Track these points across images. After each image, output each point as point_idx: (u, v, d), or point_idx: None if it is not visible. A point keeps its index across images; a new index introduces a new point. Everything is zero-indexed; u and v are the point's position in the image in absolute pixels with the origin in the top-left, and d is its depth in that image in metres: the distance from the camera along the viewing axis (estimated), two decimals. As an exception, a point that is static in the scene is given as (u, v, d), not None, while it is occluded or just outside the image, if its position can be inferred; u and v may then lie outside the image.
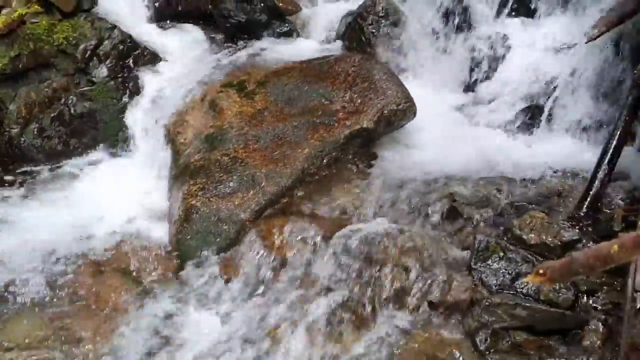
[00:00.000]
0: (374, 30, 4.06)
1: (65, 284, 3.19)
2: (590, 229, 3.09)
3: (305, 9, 4.35)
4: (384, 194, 3.43)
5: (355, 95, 3.74)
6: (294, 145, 3.55)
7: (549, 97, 3.66)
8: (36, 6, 3.95)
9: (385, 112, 3.67)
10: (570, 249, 3.03)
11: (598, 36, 3.42)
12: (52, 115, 3.92)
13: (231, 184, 3.43)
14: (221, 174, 3.46)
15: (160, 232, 3.46)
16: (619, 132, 3.17)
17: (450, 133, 3.70)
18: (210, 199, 3.39)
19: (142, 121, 3.86)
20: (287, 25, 4.28)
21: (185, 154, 3.63)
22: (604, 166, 3.15)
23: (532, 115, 3.72)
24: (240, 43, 4.18)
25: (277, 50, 4.11)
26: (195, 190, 3.44)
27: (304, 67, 3.91)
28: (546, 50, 3.70)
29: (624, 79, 3.46)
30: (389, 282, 3.03)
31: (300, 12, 4.35)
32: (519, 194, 3.32)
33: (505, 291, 2.94)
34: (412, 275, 3.03)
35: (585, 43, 3.48)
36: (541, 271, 1.38)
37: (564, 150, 3.59)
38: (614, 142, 3.18)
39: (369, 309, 2.98)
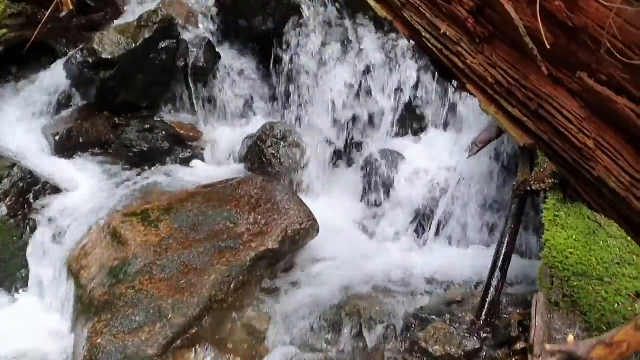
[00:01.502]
0: (273, 152, 4.22)
1: None
2: (490, 336, 3.22)
3: (207, 134, 4.47)
4: (294, 315, 3.45)
5: (260, 217, 3.82)
6: (200, 272, 3.56)
7: (439, 209, 3.88)
8: None
9: (289, 232, 3.76)
10: (473, 357, 3.15)
11: (478, 151, 3.70)
12: (-51, 258, 3.77)
13: (137, 318, 3.37)
14: (127, 309, 3.40)
15: (66, 374, 3.34)
16: (506, 240, 3.37)
17: (352, 248, 3.82)
18: (117, 335, 3.31)
19: (44, 258, 3.76)
20: (189, 150, 4.37)
21: (89, 290, 3.55)
22: (497, 273, 3.31)
23: (425, 227, 3.92)
24: (143, 171, 4.21)
25: (180, 176, 4.17)
26: (100, 328, 3.35)
27: (207, 192, 3.97)
28: (435, 165, 3.95)
29: (506, 188, 3.72)
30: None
31: (201, 137, 4.46)
32: (421, 306, 3.43)
33: (416, 406, 3.00)
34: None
35: (467, 158, 3.75)
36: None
37: (459, 258, 3.77)
38: (504, 250, 3.37)
39: None
